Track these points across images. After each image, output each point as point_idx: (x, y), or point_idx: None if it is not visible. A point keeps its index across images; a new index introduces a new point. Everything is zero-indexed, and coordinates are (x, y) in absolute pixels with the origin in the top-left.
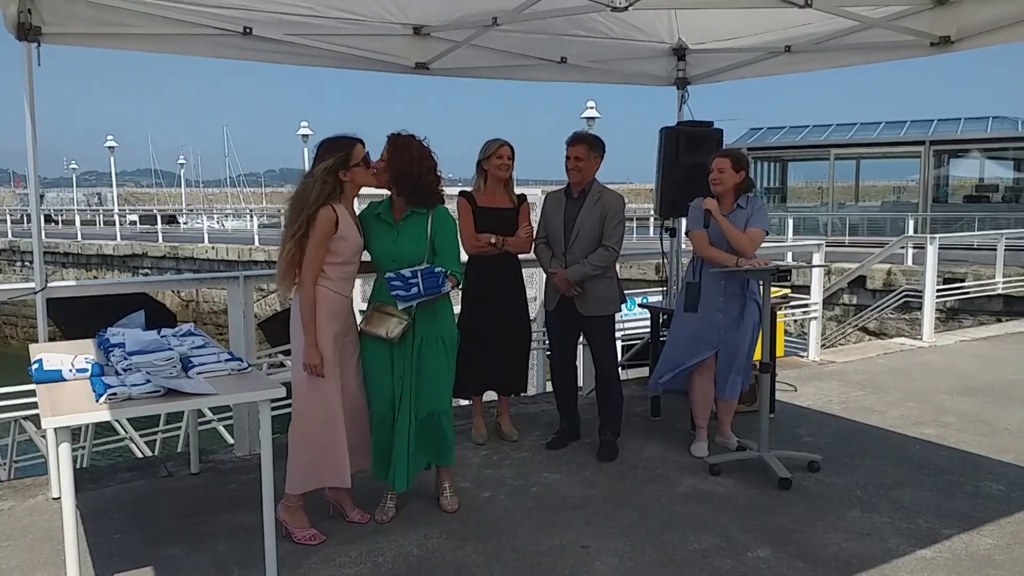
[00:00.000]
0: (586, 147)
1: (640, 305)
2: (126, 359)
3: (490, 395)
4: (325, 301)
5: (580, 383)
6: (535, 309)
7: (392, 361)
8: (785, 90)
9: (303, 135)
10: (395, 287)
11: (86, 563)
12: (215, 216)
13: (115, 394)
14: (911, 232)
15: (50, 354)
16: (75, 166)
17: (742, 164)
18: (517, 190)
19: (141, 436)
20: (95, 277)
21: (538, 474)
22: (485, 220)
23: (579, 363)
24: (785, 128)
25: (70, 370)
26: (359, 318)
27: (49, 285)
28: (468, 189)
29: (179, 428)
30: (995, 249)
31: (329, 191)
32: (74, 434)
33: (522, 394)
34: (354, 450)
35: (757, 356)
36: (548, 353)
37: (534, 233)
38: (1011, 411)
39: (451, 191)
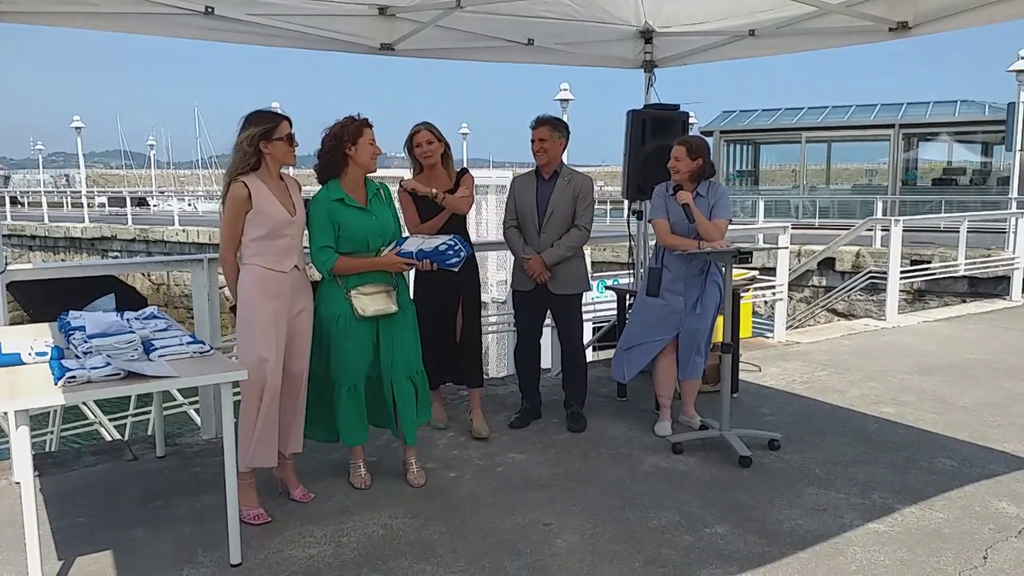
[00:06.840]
0: (548, 128)
1: (607, 287)
2: (86, 342)
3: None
4: (260, 280)
5: (548, 364)
6: (506, 291)
7: (378, 333)
8: (759, 75)
9: None
10: (448, 255)
11: (48, 546)
12: (186, 198)
13: (74, 377)
14: (879, 215)
15: (9, 338)
16: (41, 147)
17: (698, 151)
18: (489, 172)
19: (111, 420)
20: (63, 260)
21: (504, 454)
22: (423, 204)
23: (547, 344)
24: (757, 111)
25: (29, 353)
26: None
27: (8, 268)
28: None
29: (149, 412)
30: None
31: (249, 162)
32: (42, 418)
33: (490, 376)
34: (287, 432)
35: (718, 338)
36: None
37: (484, 215)
38: (967, 390)
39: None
